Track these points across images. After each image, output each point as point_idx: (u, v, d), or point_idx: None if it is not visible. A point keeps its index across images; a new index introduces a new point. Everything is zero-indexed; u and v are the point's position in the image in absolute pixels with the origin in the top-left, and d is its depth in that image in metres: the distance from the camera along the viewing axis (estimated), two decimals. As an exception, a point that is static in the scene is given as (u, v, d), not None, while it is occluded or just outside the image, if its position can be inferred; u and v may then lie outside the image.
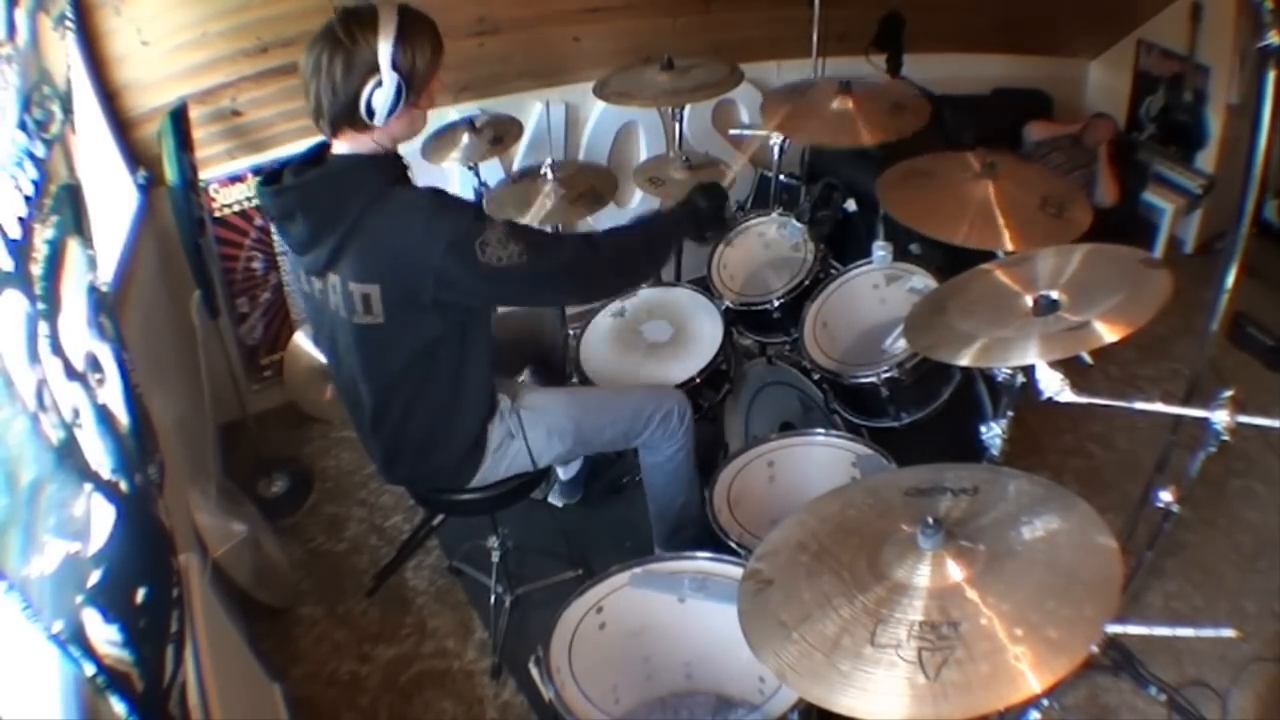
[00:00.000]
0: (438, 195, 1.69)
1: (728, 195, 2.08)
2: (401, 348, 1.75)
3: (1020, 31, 3.85)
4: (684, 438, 2.14)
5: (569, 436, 2.04)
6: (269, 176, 1.73)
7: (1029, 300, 1.63)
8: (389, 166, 1.71)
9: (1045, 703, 1.82)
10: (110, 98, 2.50)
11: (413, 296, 1.67)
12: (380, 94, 1.59)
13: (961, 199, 2.02)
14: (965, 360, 1.59)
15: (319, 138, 1.75)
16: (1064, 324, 1.55)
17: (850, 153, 3.16)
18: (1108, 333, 1.48)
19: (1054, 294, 1.61)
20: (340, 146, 1.69)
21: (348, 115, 1.62)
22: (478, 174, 2.80)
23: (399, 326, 1.71)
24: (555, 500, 2.72)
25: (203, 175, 2.66)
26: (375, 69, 1.58)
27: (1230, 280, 1.91)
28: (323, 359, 2.96)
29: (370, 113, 1.61)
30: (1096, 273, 1.65)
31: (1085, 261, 1.68)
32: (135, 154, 2.59)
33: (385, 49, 1.57)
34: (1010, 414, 1.81)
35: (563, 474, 2.67)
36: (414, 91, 1.64)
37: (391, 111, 1.62)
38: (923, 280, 2.35)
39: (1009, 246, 1.92)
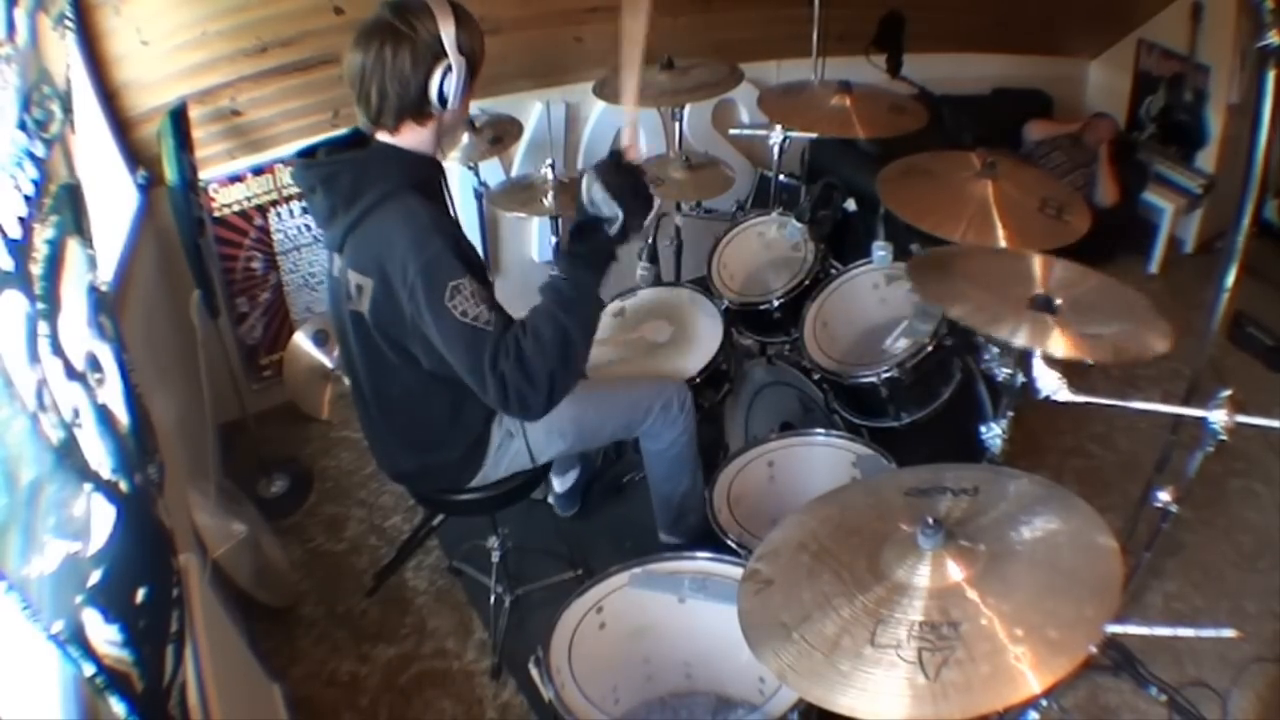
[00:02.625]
0: (441, 219, 1.67)
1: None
2: (390, 344, 1.74)
3: (1020, 31, 3.85)
4: (685, 424, 2.14)
5: (569, 434, 2.04)
6: (304, 151, 1.75)
7: (1031, 290, 1.64)
8: (420, 167, 1.70)
9: (1045, 703, 1.82)
10: (110, 97, 2.50)
11: (396, 304, 1.66)
12: (451, 79, 1.60)
13: (961, 197, 2.03)
14: (955, 313, 1.62)
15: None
16: (1055, 323, 1.56)
17: (850, 153, 3.17)
18: (1088, 351, 1.50)
19: (1056, 300, 1.62)
20: (386, 138, 1.69)
21: (416, 105, 1.62)
22: (477, 174, 2.80)
23: (384, 325, 1.71)
24: (553, 503, 2.71)
25: (202, 175, 2.66)
26: (442, 54, 1.59)
27: (1230, 280, 1.91)
28: (323, 359, 3.00)
29: (443, 99, 1.62)
30: (1103, 301, 1.67)
31: (1097, 288, 1.71)
32: (135, 154, 2.59)
33: (449, 34, 1.58)
34: (1010, 414, 1.81)
35: (558, 485, 2.65)
36: (474, 75, 1.66)
37: (462, 94, 1.63)
38: (923, 280, 2.35)
39: (1005, 246, 1.92)
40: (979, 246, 1.88)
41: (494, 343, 1.58)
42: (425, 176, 1.72)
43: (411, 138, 1.68)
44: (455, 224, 1.72)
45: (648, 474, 2.25)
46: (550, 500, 2.70)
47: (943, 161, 2.17)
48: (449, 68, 1.59)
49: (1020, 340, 1.54)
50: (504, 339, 1.59)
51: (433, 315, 1.59)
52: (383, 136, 1.69)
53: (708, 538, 1.91)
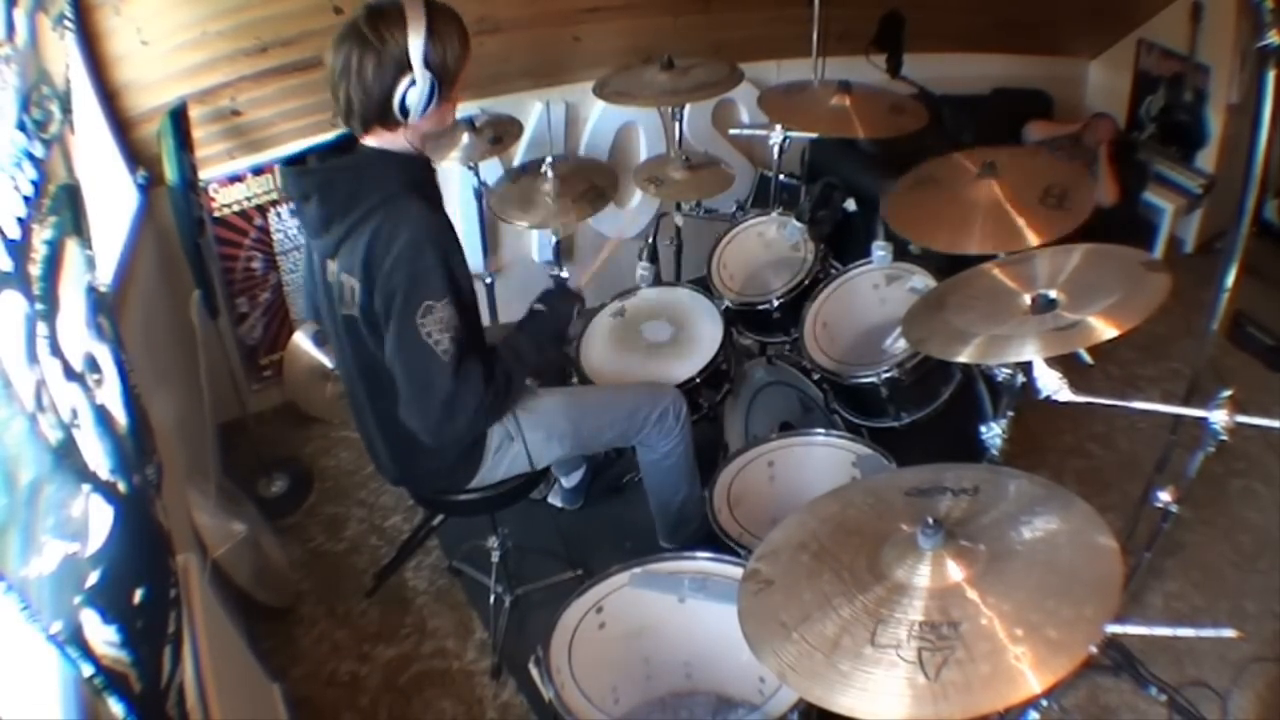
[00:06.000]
0: (444, 232, 1.67)
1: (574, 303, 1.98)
2: (378, 347, 1.74)
3: (1020, 31, 3.85)
4: (680, 435, 2.14)
5: (568, 439, 2.04)
6: (292, 158, 1.73)
7: (1027, 299, 1.63)
8: (413, 168, 1.70)
9: (1045, 703, 1.82)
10: (110, 98, 2.50)
11: (372, 304, 1.66)
12: (414, 92, 1.59)
13: (968, 206, 1.99)
14: (963, 357, 1.58)
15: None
16: (1061, 322, 1.55)
17: (850, 153, 3.16)
18: (1103, 329, 1.48)
19: (1052, 293, 1.61)
20: (370, 141, 1.69)
21: (380, 115, 1.62)
22: (477, 174, 2.80)
23: (369, 327, 1.72)
24: (555, 501, 2.72)
25: (202, 175, 2.66)
26: (407, 68, 1.57)
27: (1230, 280, 1.91)
28: (323, 359, 3.00)
29: (405, 111, 1.60)
30: (1095, 273, 1.65)
31: (1084, 262, 1.68)
32: (135, 154, 2.58)
33: (416, 46, 1.56)
34: (1010, 414, 1.81)
35: (566, 482, 2.67)
36: (446, 86, 1.63)
37: (425, 109, 1.62)
38: (923, 280, 2.34)
39: (1033, 241, 1.87)
40: (961, 277, 1.83)
41: (449, 376, 1.65)
42: (421, 177, 1.72)
43: (388, 140, 1.67)
44: (454, 237, 1.71)
45: (644, 483, 2.24)
46: (551, 498, 2.70)
47: (943, 170, 2.14)
48: (413, 81, 1.58)
49: (1039, 354, 1.51)
50: (469, 380, 1.69)
51: (398, 324, 1.62)
52: (368, 140, 1.69)
53: (708, 542, 1.91)
